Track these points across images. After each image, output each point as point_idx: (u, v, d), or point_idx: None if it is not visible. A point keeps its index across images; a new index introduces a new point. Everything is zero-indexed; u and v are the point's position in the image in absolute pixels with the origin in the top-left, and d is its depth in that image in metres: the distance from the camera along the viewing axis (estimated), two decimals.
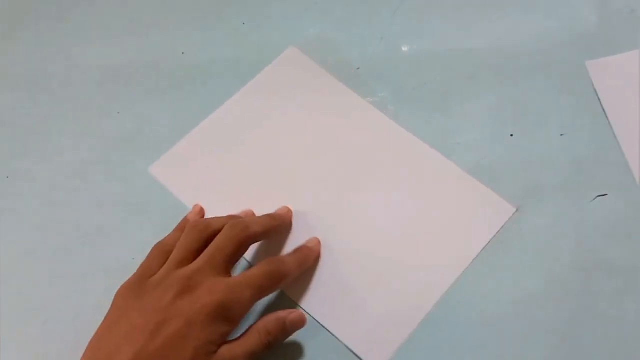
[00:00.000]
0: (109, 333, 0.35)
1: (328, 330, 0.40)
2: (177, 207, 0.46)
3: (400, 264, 0.43)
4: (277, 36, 0.53)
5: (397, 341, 0.40)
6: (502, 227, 0.43)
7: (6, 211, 0.46)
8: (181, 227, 0.42)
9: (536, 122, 0.48)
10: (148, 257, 0.40)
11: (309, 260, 0.42)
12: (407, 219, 0.44)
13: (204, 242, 0.39)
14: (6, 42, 0.54)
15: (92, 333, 0.36)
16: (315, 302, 0.42)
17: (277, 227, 0.43)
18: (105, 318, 0.37)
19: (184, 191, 0.47)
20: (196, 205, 0.45)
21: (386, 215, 0.45)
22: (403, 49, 0.52)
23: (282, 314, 0.39)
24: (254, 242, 0.40)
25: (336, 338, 0.40)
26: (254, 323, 0.38)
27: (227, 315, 0.35)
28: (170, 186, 0.47)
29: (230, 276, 0.38)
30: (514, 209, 0.44)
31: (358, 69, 0.51)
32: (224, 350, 0.35)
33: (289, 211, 0.45)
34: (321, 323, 0.41)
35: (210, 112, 0.50)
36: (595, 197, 0.44)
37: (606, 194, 0.44)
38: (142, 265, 0.39)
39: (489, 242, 0.43)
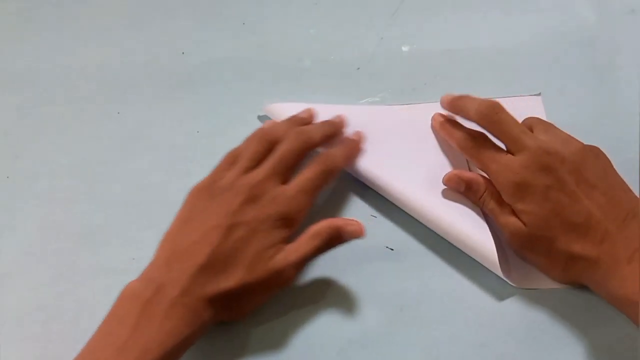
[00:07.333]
0: (184, 229, 0.39)
1: None
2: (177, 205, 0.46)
3: None
4: (277, 37, 0.53)
5: None
6: None
7: (6, 211, 0.46)
8: (254, 137, 0.43)
9: None
10: (220, 163, 0.42)
11: (355, 152, 0.45)
12: None
13: (269, 151, 0.42)
14: (6, 42, 0.54)
15: (93, 333, 0.36)
16: None
17: (334, 133, 0.45)
18: (178, 215, 0.40)
19: None
20: (308, 109, 0.46)
21: None
22: (403, 49, 0.52)
23: (338, 222, 0.40)
24: (314, 149, 0.43)
25: None
26: (311, 226, 0.40)
27: (287, 223, 0.40)
28: None
29: (289, 182, 0.41)
30: None
31: (358, 69, 0.51)
32: (281, 256, 0.38)
33: (343, 119, 0.46)
34: None
35: (210, 111, 0.50)
36: None
37: None
38: (214, 171, 0.42)
39: None
